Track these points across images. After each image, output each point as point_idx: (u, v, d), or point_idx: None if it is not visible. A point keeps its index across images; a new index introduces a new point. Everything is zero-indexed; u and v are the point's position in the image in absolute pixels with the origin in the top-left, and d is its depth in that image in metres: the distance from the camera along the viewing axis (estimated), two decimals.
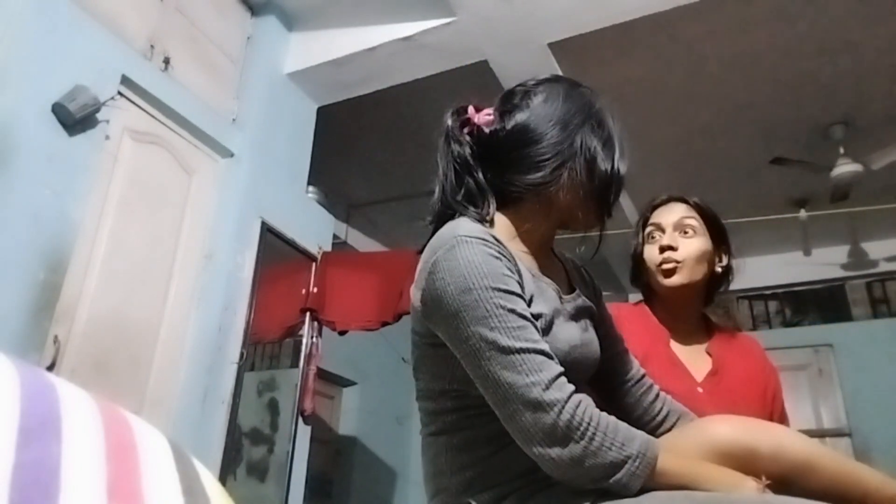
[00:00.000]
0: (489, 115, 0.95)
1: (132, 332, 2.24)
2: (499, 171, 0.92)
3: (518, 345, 0.76)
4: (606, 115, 0.95)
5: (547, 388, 0.73)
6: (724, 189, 4.17)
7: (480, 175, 0.92)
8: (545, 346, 0.78)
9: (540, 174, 0.89)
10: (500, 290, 0.79)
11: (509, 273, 0.82)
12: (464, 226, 0.85)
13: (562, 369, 0.76)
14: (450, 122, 0.96)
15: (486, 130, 0.93)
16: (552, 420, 0.72)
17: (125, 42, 2.37)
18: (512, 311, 0.78)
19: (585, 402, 0.75)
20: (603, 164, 0.90)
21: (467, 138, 0.94)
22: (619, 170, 0.92)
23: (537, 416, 0.72)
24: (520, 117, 0.91)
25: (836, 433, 4.59)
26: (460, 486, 0.84)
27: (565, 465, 0.73)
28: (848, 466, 0.87)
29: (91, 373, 2.06)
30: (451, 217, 0.90)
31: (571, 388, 0.75)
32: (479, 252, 0.81)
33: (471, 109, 0.95)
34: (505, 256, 0.83)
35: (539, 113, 0.91)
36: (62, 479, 0.24)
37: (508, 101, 0.95)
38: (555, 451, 0.72)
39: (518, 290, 0.81)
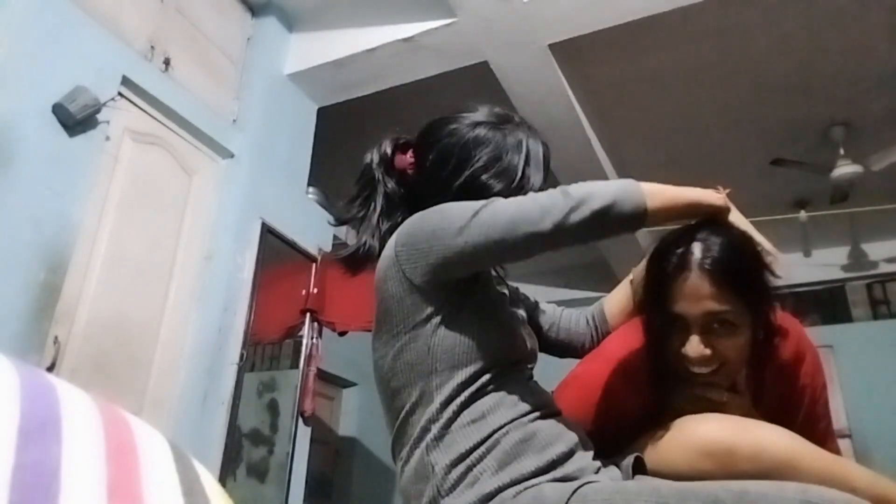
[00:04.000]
0: (412, 159, 1.05)
1: (132, 332, 2.24)
2: (425, 206, 0.99)
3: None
4: (508, 141, 1.02)
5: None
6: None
7: (405, 212, 1.01)
8: None
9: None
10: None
11: None
12: None
13: None
14: (375, 158, 1.05)
15: (412, 175, 1.04)
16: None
17: (125, 43, 2.37)
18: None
19: None
20: (494, 188, 0.97)
21: (390, 180, 1.04)
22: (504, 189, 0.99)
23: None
24: (433, 159, 1.01)
25: (836, 434, 4.58)
26: (443, 484, 0.84)
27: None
28: (833, 465, 0.85)
29: (91, 374, 2.06)
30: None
31: None
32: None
33: (397, 156, 1.06)
34: None
35: (447, 144, 1.00)
36: (62, 480, 0.24)
37: (424, 147, 1.04)
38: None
39: None
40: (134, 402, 2.19)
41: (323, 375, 3.50)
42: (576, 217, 0.84)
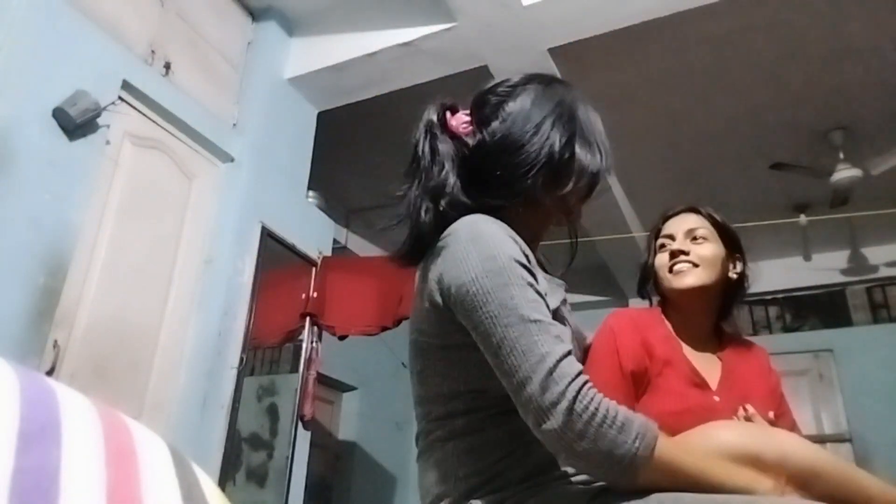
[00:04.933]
0: (466, 125, 0.94)
1: (132, 336, 2.24)
2: (479, 180, 0.91)
3: (535, 316, 0.76)
4: (580, 107, 0.95)
5: (559, 361, 0.73)
6: (725, 194, 4.17)
7: (457, 186, 0.91)
8: (557, 325, 0.78)
9: (523, 183, 0.88)
10: (521, 263, 0.80)
11: (528, 255, 0.84)
12: (480, 216, 0.86)
13: (571, 348, 0.76)
14: (434, 117, 0.94)
15: (470, 143, 0.93)
16: (559, 392, 0.71)
17: (126, 47, 2.38)
18: (531, 284, 0.79)
19: (591, 383, 0.74)
20: (580, 160, 0.91)
21: (449, 141, 0.93)
22: (595, 165, 0.92)
23: (547, 387, 0.72)
24: (497, 128, 0.91)
25: (837, 438, 4.58)
26: (465, 491, 0.83)
27: (568, 440, 0.71)
28: (851, 473, 0.88)
29: (90, 378, 2.06)
30: (439, 221, 0.88)
31: (580, 367, 0.75)
32: (502, 228, 0.83)
33: (448, 115, 0.95)
34: (521, 245, 0.84)
35: (517, 119, 0.91)
36: (62, 484, 0.24)
37: (483, 109, 0.94)
38: (558, 424, 0.71)
39: (534, 272, 0.82)
40: (133, 406, 2.18)
41: (323, 379, 3.49)
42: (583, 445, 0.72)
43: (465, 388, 0.86)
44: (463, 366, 0.85)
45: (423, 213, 0.88)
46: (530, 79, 0.97)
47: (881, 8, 2.92)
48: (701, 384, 1.26)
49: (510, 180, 0.89)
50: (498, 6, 2.66)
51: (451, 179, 0.90)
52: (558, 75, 3.06)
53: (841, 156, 3.77)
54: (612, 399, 0.75)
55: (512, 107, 0.92)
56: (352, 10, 3.04)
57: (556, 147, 0.89)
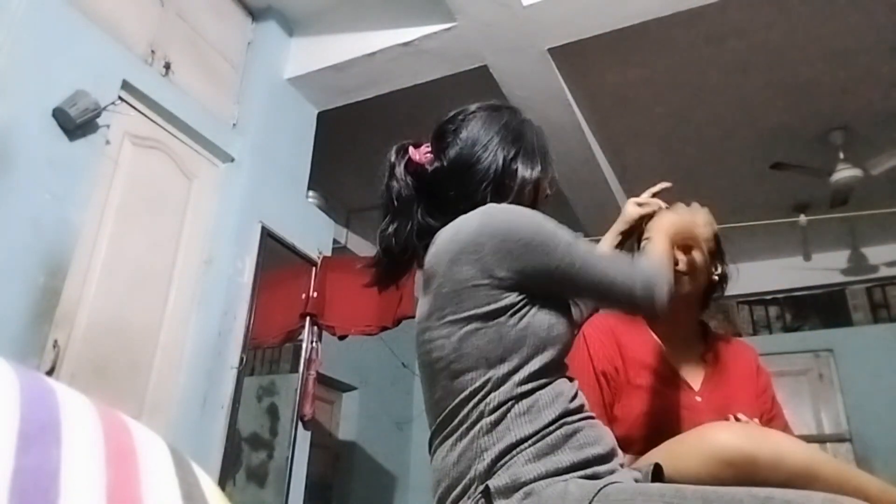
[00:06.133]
0: (428, 154, 1.08)
1: (132, 336, 2.24)
2: (439, 200, 1.05)
3: (598, 253, 1.02)
4: (525, 128, 1.10)
5: (643, 273, 0.99)
6: (724, 194, 4.17)
7: (422, 211, 1.06)
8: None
9: (476, 196, 1.01)
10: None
11: None
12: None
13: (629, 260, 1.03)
14: (394, 159, 1.09)
15: (429, 168, 1.06)
16: (651, 290, 0.98)
17: (126, 47, 2.38)
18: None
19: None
20: (521, 173, 1.04)
21: (409, 178, 1.08)
22: (535, 175, 1.06)
23: (646, 289, 0.97)
24: (453, 152, 1.05)
25: (837, 438, 4.58)
26: (485, 469, 0.86)
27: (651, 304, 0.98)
28: (848, 473, 0.88)
29: (91, 378, 2.06)
30: (408, 251, 1.05)
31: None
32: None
33: (411, 150, 1.09)
34: None
35: (468, 142, 1.05)
36: (62, 484, 0.24)
37: (442, 139, 1.08)
38: (652, 302, 0.97)
39: None
40: (133, 406, 2.18)
41: (323, 379, 3.49)
42: (649, 293, 0.97)
43: (503, 355, 0.92)
44: (500, 335, 0.92)
45: (393, 242, 1.05)
46: (480, 107, 1.11)
47: (880, 7, 2.92)
48: (682, 385, 1.26)
49: (466, 194, 1.02)
50: (498, 6, 2.66)
51: (416, 213, 1.06)
52: (558, 75, 3.08)
53: (841, 156, 3.77)
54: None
55: (465, 133, 1.06)
56: (352, 10, 3.04)
57: (501, 162, 1.03)
